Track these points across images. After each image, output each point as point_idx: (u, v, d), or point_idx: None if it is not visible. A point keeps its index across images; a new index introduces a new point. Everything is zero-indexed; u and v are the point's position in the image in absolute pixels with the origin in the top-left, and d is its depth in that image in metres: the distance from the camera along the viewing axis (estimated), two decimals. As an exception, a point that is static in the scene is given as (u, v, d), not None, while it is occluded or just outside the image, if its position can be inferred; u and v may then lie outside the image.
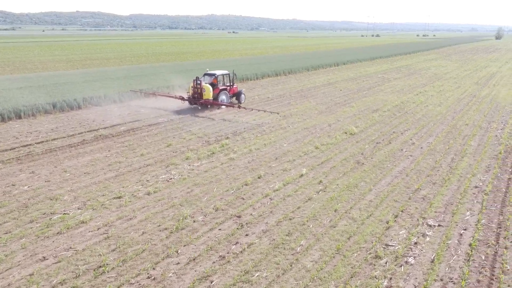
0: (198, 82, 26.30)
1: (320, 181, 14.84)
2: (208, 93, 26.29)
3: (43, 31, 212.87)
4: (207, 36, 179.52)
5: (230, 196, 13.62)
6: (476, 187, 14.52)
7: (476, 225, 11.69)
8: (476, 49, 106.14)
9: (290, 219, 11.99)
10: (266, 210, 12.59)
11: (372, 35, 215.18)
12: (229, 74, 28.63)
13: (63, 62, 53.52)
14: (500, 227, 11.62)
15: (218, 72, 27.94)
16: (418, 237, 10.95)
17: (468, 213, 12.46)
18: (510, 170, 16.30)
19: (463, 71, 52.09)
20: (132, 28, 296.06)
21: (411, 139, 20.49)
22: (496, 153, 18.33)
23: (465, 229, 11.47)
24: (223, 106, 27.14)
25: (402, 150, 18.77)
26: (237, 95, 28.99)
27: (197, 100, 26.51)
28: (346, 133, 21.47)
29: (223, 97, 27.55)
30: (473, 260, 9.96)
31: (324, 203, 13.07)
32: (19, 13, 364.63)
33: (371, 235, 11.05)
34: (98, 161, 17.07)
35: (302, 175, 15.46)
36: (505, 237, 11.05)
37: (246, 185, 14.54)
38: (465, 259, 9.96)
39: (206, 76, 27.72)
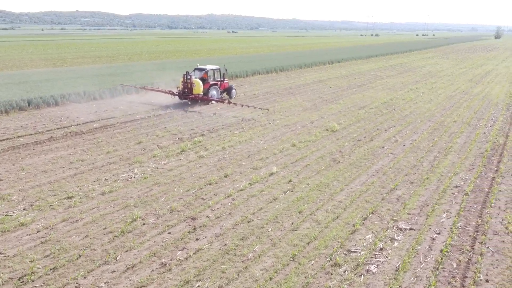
0: (188, 76, 25.65)
1: (290, 180, 13.74)
2: (198, 88, 25.65)
3: (42, 30, 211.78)
4: (206, 35, 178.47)
5: (190, 196, 12.54)
6: (456, 186, 13.41)
7: (451, 228, 10.58)
8: (474, 48, 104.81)
9: (249, 221, 10.90)
10: (225, 211, 11.50)
11: (371, 35, 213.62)
12: (219, 69, 27.89)
13: (54, 60, 52.53)
14: (477, 231, 10.51)
15: (208, 67, 27.23)
16: (385, 242, 9.85)
17: (444, 215, 11.35)
18: (495, 168, 15.17)
19: (458, 69, 50.90)
20: (132, 28, 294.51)
21: (394, 136, 19.38)
22: (482, 151, 17.20)
23: (438, 233, 10.36)
24: (213, 101, 26.49)
25: (383, 147, 17.66)
26: (228, 90, 28.28)
27: (187, 95, 25.88)
28: (327, 130, 20.36)
29: (213, 92, 26.84)
30: (442, 268, 8.85)
31: (289, 204, 11.97)
32: (19, 12, 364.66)
33: (334, 240, 9.95)
34: (61, 159, 16.01)
35: (272, 174, 14.37)
36: (481, 242, 9.94)
37: (210, 184, 13.46)
38: (434, 268, 8.85)
39: (196, 71, 27.04)
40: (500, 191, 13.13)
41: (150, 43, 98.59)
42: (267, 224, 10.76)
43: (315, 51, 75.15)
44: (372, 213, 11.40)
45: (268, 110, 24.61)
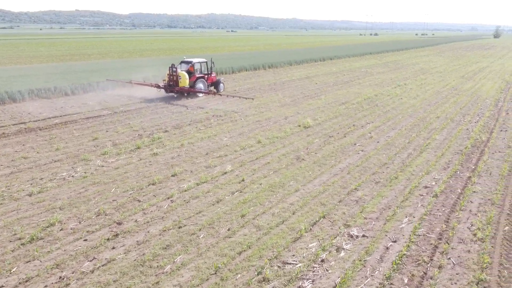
0: (174, 69, 24.91)
1: (242, 180, 12.28)
2: (184, 80, 24.93)
3: (41, 29, 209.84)
4: (203, 34, 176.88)
5: (125, 198, 11.09)
6: (426, 187, 11.92)
7: (410, 235, 9.09)
8: (471, 46, 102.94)
9: (180, 227, 9.45)
10: (158, 215, 10.05)
11: (371, 34, 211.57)
12: (206, 62, 27.02)
13: (42, 57, 51.15)
14: (440, 239, 9.02)
15: (195, 60, 26.39)
16: (330, 252, 8.37)
17: (406, 219, 9.86)
18: (473, 167, 13.66)
19: (452, 66, 49.27)
20: (131, 27, 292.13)
21: (370, 133, 17.88)
22: (461, 148, 15.69)
23: (394, 241, 8.88)
24: (200, 94, 25.85)
25: (355, 144, 16.16)
26: (216, 84, 27.43)
27: (172, 88, 25.15)
28: (300, 126, 18.88)
29: (200, 85, 26.01)
30: (390, 284, 7.37)
31: (233, 206, 10.51)
32: (18, 12, 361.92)
33: (270, 249, 8.48)
34: (3, 156, 14.61)
35: (225, 173, 12.91)
36: (442, 252, 8.45)
37: (153, 184, 12.01)
38: (380, 284, 7.37)
39: (182, 64, 26.24)
40: (474, 192, 11.63)
41: (145, 42, 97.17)
42: (200, 230, 9.30)
43: (310, 49, 73.58)
44: (324, 217, 9.93)
45: (253, 99, 24.26)
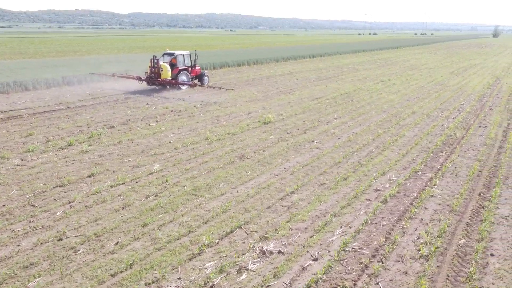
0: (155, 61, 24.12)
1: (166, 181, 10.47)
2: (166, 72, 24.09)
3: (39, 28, 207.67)
4: (200, 33, 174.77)
5: (21, 202, 9.29)
6: (376, 190, 10.06)
7: (338, 252, 7.23)
8: (468, 45, 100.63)
9: (61, 239, 7.67)
10: (44, 224, 8.26)
11: (369, 34, 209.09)
12: (189, 54, 26.09)
13: (26, 54, 49.39)
14: (374, 256, 7.17)
15: (177, 52, 25.51)
16: (228, 275, 6.55)
17: (339, 230, 8.02)
18: (438, 166, 11.80)
19: (444, 63, 47.24)
20: (130, 27, 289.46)
21: (333, 129, 16.02)
22: (430, 146, 13.82)
23: (315, 259, 7.05)
24: (183, 87, 24.98)
25: (313, 141, 14.31)
26: (200, 77, 26.57)
27: (154, 80, 24.41)
28: (260, 121, 17.03)
29: (183, 78, 25.15)
30: (288, 321, 5.52)
31: (139, 213, 8.70)
32: (18, 11, 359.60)
33: (155, 270, 6.65)
34: None
35: (151, 173, 11.11)
36: (371, 274, 6.60)
37: (60, 186, 10.21)
38: (275, 320, 5.53)
39: (165, 56, 25.54)
40: (432, 196, 9.77)
41: (138, 40, 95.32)
42: (83, 243, 7.50)
43: (302, 47, 71.62)
44: (240, 227, 8.08)
45: (233, 90, 24.26)
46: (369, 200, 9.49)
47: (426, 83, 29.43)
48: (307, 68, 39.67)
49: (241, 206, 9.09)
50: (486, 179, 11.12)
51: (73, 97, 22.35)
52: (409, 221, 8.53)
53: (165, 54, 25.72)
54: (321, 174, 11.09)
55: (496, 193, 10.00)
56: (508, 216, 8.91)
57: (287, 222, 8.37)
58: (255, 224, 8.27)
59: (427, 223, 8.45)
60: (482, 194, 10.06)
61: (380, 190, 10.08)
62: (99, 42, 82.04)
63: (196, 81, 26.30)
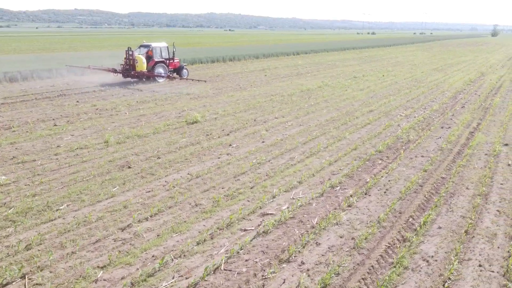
0: (130, 53, 23.03)
1: (-8, 201, 7.71)
2: (141, 64, 23.02)
3: (37, 28, 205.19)
4: (198, 33, 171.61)
5: None
6: (264, 214, 7.29)
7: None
8: (464, 43, 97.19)
9: None
10: None
11: (368, 33, 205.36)
12: (167, 47, 24.81)
13: (6, 51, 46.69)
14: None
15: (154, 44, 24.27)
16: None
17: (165, 284, 5.22)
18: (367, 179, 8.99)
19: (431, 60, 44.22)
20: (130, 26, 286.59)
21: (266, 130, 13.24)
22: (370, 151, 11.00)
23: None
24: (160, 79, 23.76)
25: (230, 145, 11.54)
26: (179, 69, 25.33)
27: (129, 72, 23.25)
28: (186, 121, 14.27)
29: (160, 70, 24.00)
30: None
31: None
32: (17, 11, 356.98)
33: None
34: None
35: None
36: None
37: None
38: None
39: (141, 48, 24.32)
40: (336, 224, 6.97)
41: (130, 38, 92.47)
42: None
43: (292, 44, 68.68)
44: (23, 277, 5.32)
45: (205, 81, 23.71)
46: (244, 230, 6.71)
47: (403, 79, 26.56)
48: (284, 65, 36.84)
49: (56, 241, 6.33)
50: (425, 196, 8.32)
51: (21, 92, 19.73)
52: (283, 265, 5.74)
53: (141, 46, 24.50)
54: (206, 191, 8.33)
55: (429, 219, 7.21)
56: (432, 256, 6.11)
57: (102, 267, 5.61)
58: (50, 272, 5.51)
59: (307, 270, 5.66)
60: (410, 220, 7.27)
61: (269, 214, 7.31)
62: (90, 40, 79.55)
63: (174, 74, 25.02)
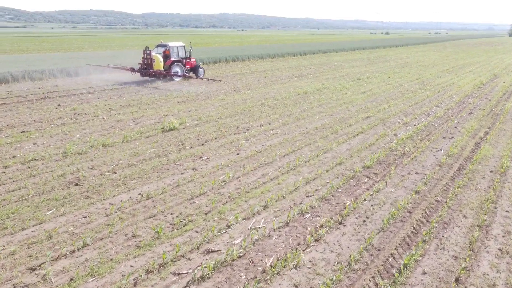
0: (148, 52, 23.31)
1: None
2: (158, 63, 23.40)
3: (52, 28, 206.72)
4: (210, 33, 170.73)
5: None
6: (209, 252, 5.90)
7: None
8: (479, 43, 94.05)
9: None
10: None
11: (382, 33, 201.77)
12: (184, 46, 25.09)
13: (13, 51, 46.36)
14: None
15: (171, 44, 24.64)
16: None
17: None
18: (348, 202, 7.56)
19: (443, 60, 42.20)
20: (143, 26, 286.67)
21: (246, 139, 11.86)
22: (357, 166, 9.54)
23: None
24: (176, 78, 24.04)
25: (200, 157, 10.21)
26: (195, 69, 25.50)
27: (146, 71, 23.57)
28: (162, 129, 13.00)
29: (176, 69, 24.32)
30: None
31: None
32: (34, 11, 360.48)
33: None
34: None
35: None
36: None
37: None
38: None
39: (159, 47, 24.72)
40: (297, 267, 5.57)
41: (142, 38, 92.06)
42: None
43: (299, 44, 67.07)
44: None
45: (220, 81, 23.65)
46: (177, 274, 5.37)
47: (409, 81, 24.86)
48: (288, 66, 35.36)
49: None
50: (413, 227, 6.90)
51: (5, 94, 18.80)
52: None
53: (158, 45, 24.85)
54: (152, 217, 7.02)
55: (413, 259, 5.76)
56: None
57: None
58: None
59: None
60: (389, 261, 5.85)
61: (215, 251, 5.96)
62: (98, 40, 79.21)
63: (191, 73, 25.35)
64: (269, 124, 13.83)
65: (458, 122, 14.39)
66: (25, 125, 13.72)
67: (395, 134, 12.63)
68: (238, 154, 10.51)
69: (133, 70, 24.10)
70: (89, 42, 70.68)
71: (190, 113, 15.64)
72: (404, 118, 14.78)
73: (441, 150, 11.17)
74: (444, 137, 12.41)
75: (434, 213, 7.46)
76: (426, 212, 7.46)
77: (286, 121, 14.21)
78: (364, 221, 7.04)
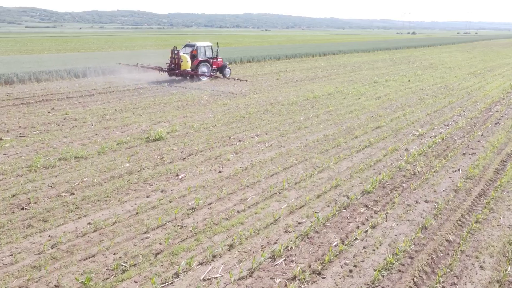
0: (176, 52, 23.41)
1: None
2: (186, 63, 23.44)
3: (80, 28, 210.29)
4: (233, 33, 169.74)
5: None
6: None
7: None
8: (510, 43, 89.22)
9: None
10: None
11: (408, 33, 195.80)
12: (211, 46, 25.00)
13: (36, 50, 46.62)
14: None
15: (198, 43, 24.60)
16: None
17: None
18: (334, 242, 6.09)
19: (471, 61, 39.52)
20: (168, 26, 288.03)
21: (235, 153, 10.48)
22: (355, 191, 7.99)
23: None
24: (203, 78, 24.10)
25: (178, 175, 8.90)
26: (222, 69, 25.46)
27: (174, 71, 23.71)
28: (147, 138, 11.78)
29: (203, 69, 24.29)
30: None
31: None
32: (64, 12, 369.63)
33: None
34: None
35: None
36: None
37: None
38: None
39: (186, 47, 24.65)
40: None
41: (160, 38, 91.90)
42: None
43: (320, 44, 65.03)
44: None
45: (246, 81, 23.37)
46: None
47: (430, 85, 22.84)
48: (304, 67, 33.72)
49: None
50: (413, 282, 5.31)
51: (4, 96, 18.13)
52: None
53: (186, 45, 24.83)
54: (86, 259, 5.73)
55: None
56: None
57: None
58: None
59: None
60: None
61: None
62: (119, 40, 79.41)
63: (217, 72, 25.29)
64: (266, 134, 12.38)
65: (482, 135, 12.53)
66: (8, 131, 12.79)
67: (406, 149, 10.94)
68: (220, 172, 9.13)
69: (161, 69, 24.31)
70: (111, 41, 70.81)
71: (185, 119, 14.37)
72: (419, 129, 13.02)
73: (458, 170, 9.45)
74: (464, 154, 10.64)
75: (442, 259, 5.86)
76: (432, 258, 5.87)
77: (285, 131, 12.71)
78: (351, 271, 5.52)
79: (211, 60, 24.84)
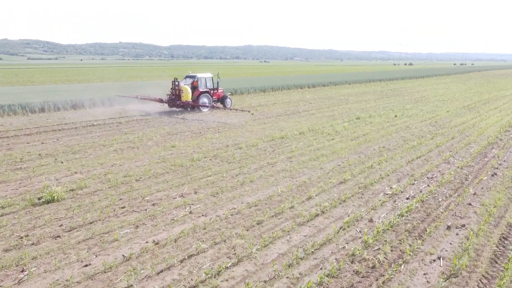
0: (176, 83, 23.08)
1: None
2: (187, 94, 22.98)
3: (81, 60, 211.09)
4: (231, 64, 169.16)
5: None
6: None
7: None
8: (508, 74, 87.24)
9: None
10: None
11: (405, 64, 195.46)
12: (212, 77, 24.74)
13: (24, 82, 44.38)
14: None
15: (199, 75, 24.36)
16: None
17: None
18: None
19: (466, 93, 36.94)
20: (169, 58, 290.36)
21: (189, 213, 7.46)
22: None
23: None
24: (204, 109, 23.72)
25: (23, 271, 5.80)
26: (222, 99, 25.22)
27: (175, 102, 23.23)
28: (40, 199, 8.84)
29: (204, 100, 23.85)
30: None
31: None
32: (67, 44, 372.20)
33: None
34: None
35: None
36: None
37: None
38: None
39: (187, 78, 24.42)
40: None
41: (156, 69, 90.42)
42: None
43: (312, 76, 62.97)
44: None
45: (249, 111, 22.69)
46: None
47: (418, 122, 20.02)
48: (288, 100, 31.18)
49: None
50: None
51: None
52: None
53: (187, 76, 24.59)
54: None
55: None
56: None
57: None
58: None
59: None
60: None
61: None
62: (113, 72, 77.85)
63: (218, 103, 24.92)
64: (195, 193, 9.44)
65: (475, 193, 9.51)
66: None
67: (370, 219, 7.91)
68: (86, 265, 6.12)
69: (161, 101, 23.75)
70: (109, 72, 69.07)
71: (111, 169, 11.48)
72: (394, 185, 10.02)
73: (439, 259, 6.41)
74: (448, 228, 7.60)
75: None
76: None
77: (222, 188, 9.74)
78: None
79: (212, 91, 24.48)
